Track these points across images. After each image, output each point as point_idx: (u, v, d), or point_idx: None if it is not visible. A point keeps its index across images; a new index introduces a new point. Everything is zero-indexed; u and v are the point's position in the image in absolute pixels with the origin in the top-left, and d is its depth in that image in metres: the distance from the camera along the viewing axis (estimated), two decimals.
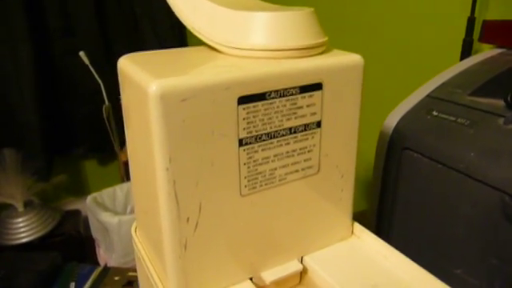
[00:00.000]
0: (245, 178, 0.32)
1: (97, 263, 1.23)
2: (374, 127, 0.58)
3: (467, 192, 0.45)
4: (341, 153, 0.37)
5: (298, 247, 0.38)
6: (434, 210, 0.50)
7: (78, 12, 1.38)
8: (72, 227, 1.30)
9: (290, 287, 0.39)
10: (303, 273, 0.38)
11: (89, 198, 1.20)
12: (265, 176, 0.33)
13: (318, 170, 0.36)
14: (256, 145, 0.32)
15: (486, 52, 0.63)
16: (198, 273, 0.33)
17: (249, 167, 0.32)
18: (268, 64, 0.32)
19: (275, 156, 0.33)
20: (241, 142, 0.31)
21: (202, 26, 0.36)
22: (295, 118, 0.33)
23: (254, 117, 0.31)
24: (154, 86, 0.27)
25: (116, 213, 1.18)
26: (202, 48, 0.38)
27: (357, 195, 0.41)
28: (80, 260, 1.12)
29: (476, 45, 0.69)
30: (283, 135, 0.33)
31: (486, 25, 0.65)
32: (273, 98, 0.32)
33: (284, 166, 0.34)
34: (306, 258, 0.38)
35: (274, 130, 0.33)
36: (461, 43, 0.69)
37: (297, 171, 0.35)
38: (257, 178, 0.33)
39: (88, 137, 1.50)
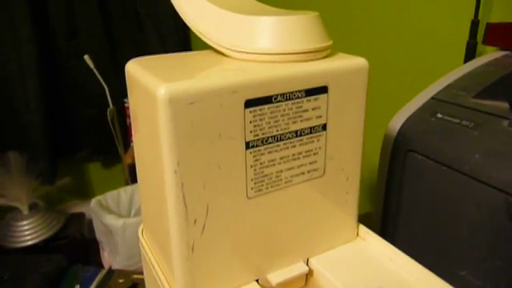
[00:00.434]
0: (251, 180, 0.33)
1: (101, 266, 1.23)
2: (379, 129, 0.58)
3: (472, 194, 0.45)
4: (346, 155, 0.38)
5: (304, 249, 0.38)
6: (439, 211, 0.50)
7: (83, 15, 1.39)
8: (76, 230, 1.30)
9: None
10: (309, 275, 0.39)
11: (93, 201, 1.20)
12: (271, 178, 0.34)
13: (324, 173, 0.37)
14: (262, 147, 0.32)
15: (490, 54, 0.63)
16: (205, 274, 0.33)
17: (255, 170, 0.33)
18: (274, 68, 0.32)
19: (281, 158, 0.34)
20: (247, 145, 0.32)
21: (207, 30, 0.36)
22: (301, 120, 0.34)
23: (260, 120, 0.32)
24: (162, 90, 0.28)
25: (120, 215, 1.18)
26: (208, 52, 0.38)
27: (362, 197, 0.41)
28: (84, 263, 1.12)
29: (480, 47, 0.69)
30: (289, 138, 0.34)
31: (490, 27, 0.66)
32: (279, 101, 0.32)
33: (290, 169, 0.35)
34: (311, 260, 0.39)
35: (280, 132, 0.33)
36: (465, 46, 0.70)
37: (302, 174, 0.35)
38: (263, 181, 0.33)
39: (92, 140, 1.50)
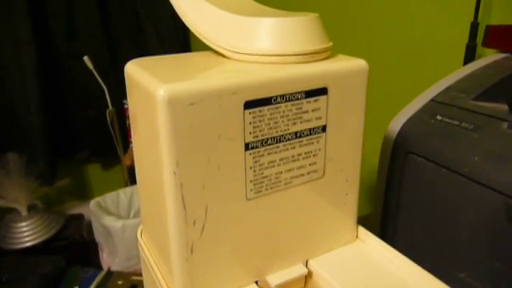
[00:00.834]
0: (251, 181, 0.33)
1: (100, 267, 1.23)
2: (379, 131, 0.58)
3: (471, 196, 0.45)
4: (346, 157, 0.37)
5: (303, 251, 0.38)
6: (438, 213, 0.50)
7: (82, 16, 1.39)
8: (75, 231, 1.30)
9: None
10: (308, 276, 0.39)
11: (92, 202, 1.20)
12: (270, 180, 0.34)
13: (323, 174, 0.37)
14: (262, 149, 0.32)
15: (490, 57, 0.63)
16: (204, 276, 0.33)
17: (255, 171, 0.33)
18: (274, 69, 0.32)
19: (281, 160, 0.34)
20: (247, 146, 0.32)
21: (207, 31, 0.36)
22: (300, 122, 0.34)
23: (260, 121, 0.32)
24: (161, 91, 0.28)
25: (119, 217, 1.18)
26: (207, 53, 0.38)
27: (361, 199, 0.41)
28: (83, 264, 1.12)
29: (479, 49, 0.69)
30: (289, 139, 0.34)
31: (490, 30, 0.66)
32: (278, 102, 0.32)
33: (289, 170, 0.34)
34: (310, 262, 0.39)
35: (279, 134, 0.33)
36: (464, 48, 0.70)
37: (302, 175, 0.35)
38: (262, 182, 0.33)
39: (92, 141, 1.50)
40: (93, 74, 1.27)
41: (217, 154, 0.30)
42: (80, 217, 1.38)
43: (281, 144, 0.33)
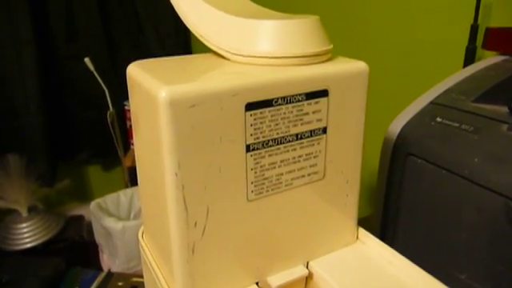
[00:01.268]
0: (252, 183, 0.33)
1: (100, 269, 1.23)
2: (379, 133, 0.59)
3: (471, 198, 0.45)
4: (346, 159, 0.38)
5: (304, 252, 0.38)
6: (439, 215, 0.50)
7: (83, 16, 1.39)
8: (76, 233, 1.30)
9: None
10: (308, 278, 0.39)
11: (92, 204, 1.20)
12: (271, 181, 0.34)
13: (324, 176, 0.37)
14: (263, 150, 0.33)
15: (490, 59, 0.63)
16: (205, 277, 0.33)
17: (256, 172, 0.33)
18: (275, 71, 0.32)
19: (282, 162, 0.34)
20: (248, 148, 0.32)
21: (208, 33, 0.36)
22: (301, 124, 0.34)
23: (261, 123, 0.32)
24: (163, 93, 0.28)
25: (120, 218, 1.18)
26: (209, 55, 0.38)
27: (361, 201, 0.41)
28: (84, 265, 1.12)
29: (479, 52, 0.69)
30: (289, 141, 0.34)
31: (490, 32, 0.66)
32: (279, 104, 0.32)
33: (290, 172, 0.35)
34: (311, 263, 0.39)
35: (280, 136, 0.33)
36: (464, 50, 0.70)
37: (303, 177, 0.35)
38: (263, 184, 0.33)
39: (92, 142, 1.51)
40: (93, 75, 1.27)
41: (218, 155, 0.31)
42: (80, 218, 1.38)
43: (281, 146, 0.33)
